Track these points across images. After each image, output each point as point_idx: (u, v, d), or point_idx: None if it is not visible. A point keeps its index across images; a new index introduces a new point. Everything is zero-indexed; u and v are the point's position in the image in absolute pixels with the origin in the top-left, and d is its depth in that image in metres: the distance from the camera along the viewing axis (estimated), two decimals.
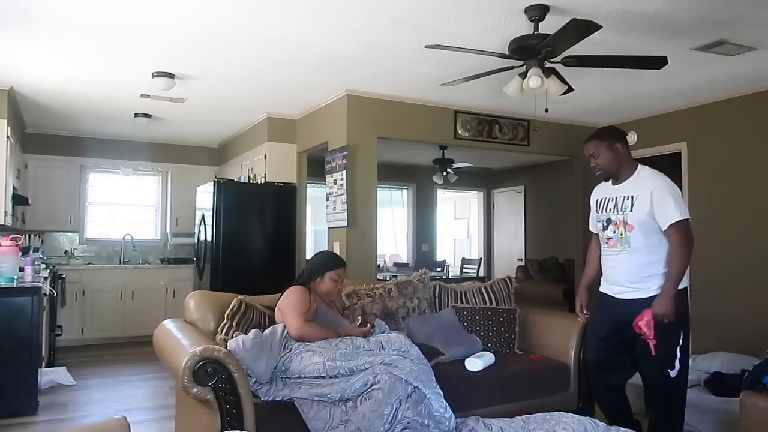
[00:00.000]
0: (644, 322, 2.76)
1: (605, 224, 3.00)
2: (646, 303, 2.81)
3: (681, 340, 2.86)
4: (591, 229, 3.26)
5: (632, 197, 2.89)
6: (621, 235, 2.91)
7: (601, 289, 3.14)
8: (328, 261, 3.26)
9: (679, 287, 2.83)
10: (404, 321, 3.62)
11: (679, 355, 2.85)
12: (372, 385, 2.51)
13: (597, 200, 3.11)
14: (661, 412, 2.91)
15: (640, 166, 2.99)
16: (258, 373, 2.62)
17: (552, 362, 3.52)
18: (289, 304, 2.95)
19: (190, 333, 2.86)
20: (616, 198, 2.96)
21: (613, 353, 3.05)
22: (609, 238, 2.98)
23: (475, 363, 3.24)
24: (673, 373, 2.84)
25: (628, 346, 2.96)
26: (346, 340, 2.83)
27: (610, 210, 2.97)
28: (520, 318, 3.75)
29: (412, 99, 5.24)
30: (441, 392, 2.64)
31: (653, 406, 2.94)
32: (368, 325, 3.09)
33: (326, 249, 5.24)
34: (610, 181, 3.06)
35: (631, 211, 2.87)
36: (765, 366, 3.03)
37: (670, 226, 2.78)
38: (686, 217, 2.80)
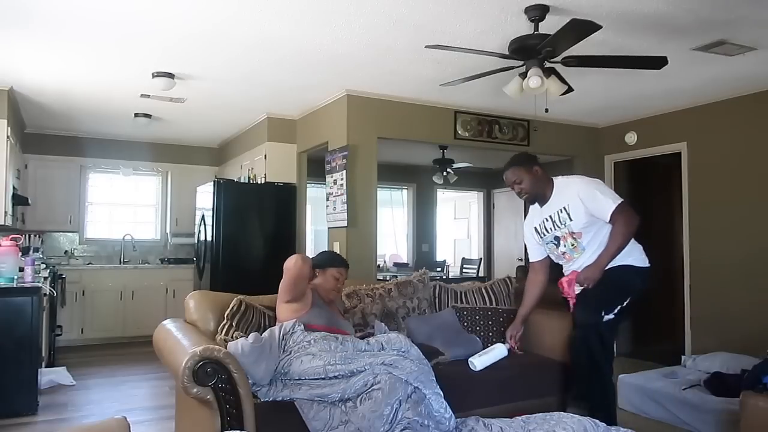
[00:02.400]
0: (566, 280, 2.97)
1: (555, 243, 3.08)
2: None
3: (625, 303, 2.98)
4: (533, 258, 3.33)
5: (565, 208, 3.00)
6: (573, 245, 3.02)
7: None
8: (334, 258, 3.34)
9: (642, 266, 3.01)
10: (404, 321, 3.61)
11: (617, 310, 2.97)
12: (372, 385, 2.50)
13: (535, 228, 3.17)
14: (590, 362, 2.95)
15: (555, 180, 3.13)
16: (258, 377, 2.61)
17: (552, 362, 3.51)
18: (282, 284, 2.96)
19: (190, 333, 2.86)
20: (551, 216, 3.05)
21: None
22: (564, 253, 3.08)
23: (482, 361, 3.22)
24: (606, 317, 2.94)
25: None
26: (347, 343, 2.81)
27: (551, 229, 3.06)
28: None
29: (412, 99, 5.24)
30: (441, 392, 2.64)
31: (579, 351, 3.00)
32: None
33: (327, 249, 5.24)
34: (536, 204, 3.17)
35: (571, 220, 2.98)
36: (765, 366, 3.03)
37: (612, 215, 2.91)
38: (620, 200, 2.93)
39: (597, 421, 2.52)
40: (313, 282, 3.12)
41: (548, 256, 3.26)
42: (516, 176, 3.12)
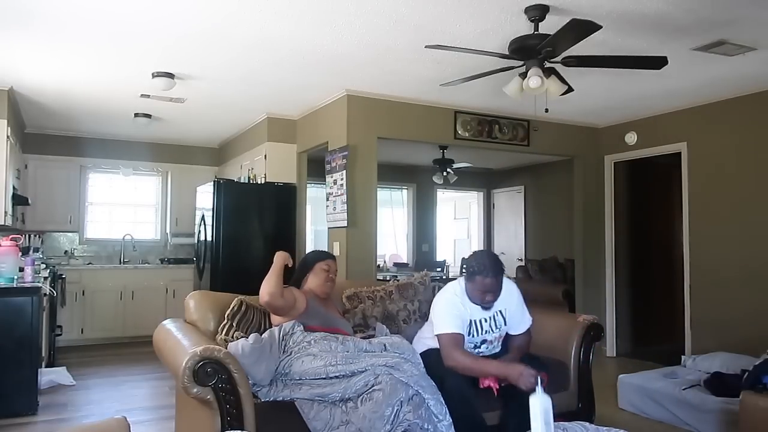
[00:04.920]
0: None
1: (479, 344, 2.91)
2: None
3: None
4: (455, 330, 2.80)
5: (502, 312, 2.92)
6: (491, 347, 2.95)
7: None
8: (317, 254, 3.32)
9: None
10: (404, 325, 3.60)
11: None
12: (373, 385, 2.50)
13: (472, 321, 2.86)
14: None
15: None
16: (258, 378, 2.61)
17: (552, 362, 3.50)
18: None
19: (190, 333, 2.86)
20: (490, 318, 2.89)
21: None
22: (481, 353, 2.93)
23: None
24: None
25: None
26: (348, 342, 2.80)
27: (486, 332, 2.90)
28: None
29: (412, 99, 5.24)
30: (442, 399, 2.63)
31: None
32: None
33: (327, 249, 5.24)
34: (466, 298, 2.87)
35: (505, 324, 2.93)
36: (765, 366, 3.03)
37: (527, 330, 3.00)
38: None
39: (585, 424, 2.39)
40: (307, 286, 3.12)
41: None
42: (499, 286, 2.80)
